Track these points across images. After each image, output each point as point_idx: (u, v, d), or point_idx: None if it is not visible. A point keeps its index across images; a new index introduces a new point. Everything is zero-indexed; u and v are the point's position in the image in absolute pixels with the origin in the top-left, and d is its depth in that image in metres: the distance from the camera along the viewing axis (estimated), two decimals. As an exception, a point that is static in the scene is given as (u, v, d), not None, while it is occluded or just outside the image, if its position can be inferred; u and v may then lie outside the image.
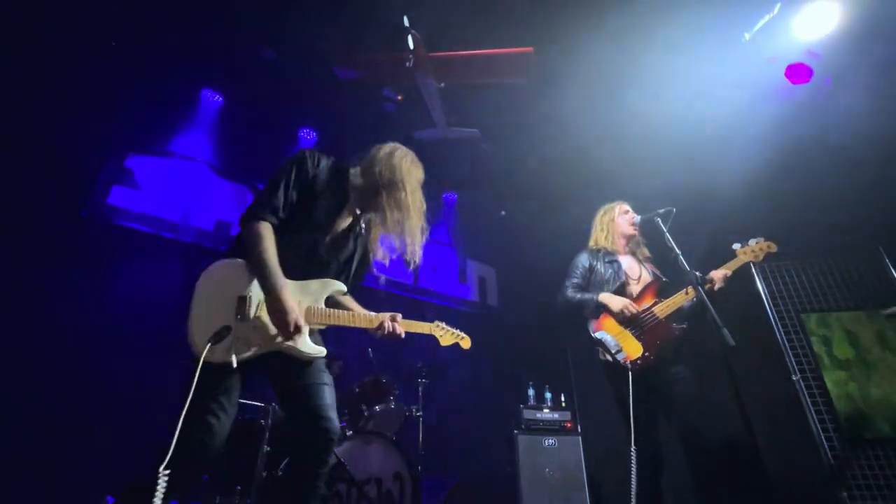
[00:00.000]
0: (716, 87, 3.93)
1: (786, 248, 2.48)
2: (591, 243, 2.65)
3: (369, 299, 5.30)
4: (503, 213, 6.39)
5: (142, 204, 4.02)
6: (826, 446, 2.91)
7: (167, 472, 1.14)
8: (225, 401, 1.32)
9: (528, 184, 5.71)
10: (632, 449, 1.93)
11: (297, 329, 1.39)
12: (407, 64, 3.82)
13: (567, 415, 4.21)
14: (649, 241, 2.63)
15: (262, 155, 4.87)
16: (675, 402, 2.12)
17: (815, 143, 3.68)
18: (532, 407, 4.22)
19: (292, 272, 1.46)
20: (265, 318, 1.39)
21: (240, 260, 1.46)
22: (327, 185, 1.62)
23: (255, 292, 1.41)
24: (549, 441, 3.97)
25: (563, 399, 4.40)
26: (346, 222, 1.66)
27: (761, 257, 2.32)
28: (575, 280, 2.49)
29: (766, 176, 3.76)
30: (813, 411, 3.01)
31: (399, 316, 1.69)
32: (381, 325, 1.63)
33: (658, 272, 2.53)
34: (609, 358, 2.18)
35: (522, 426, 4.05)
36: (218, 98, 4.78)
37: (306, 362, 1.48)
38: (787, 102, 3.76)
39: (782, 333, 3.29)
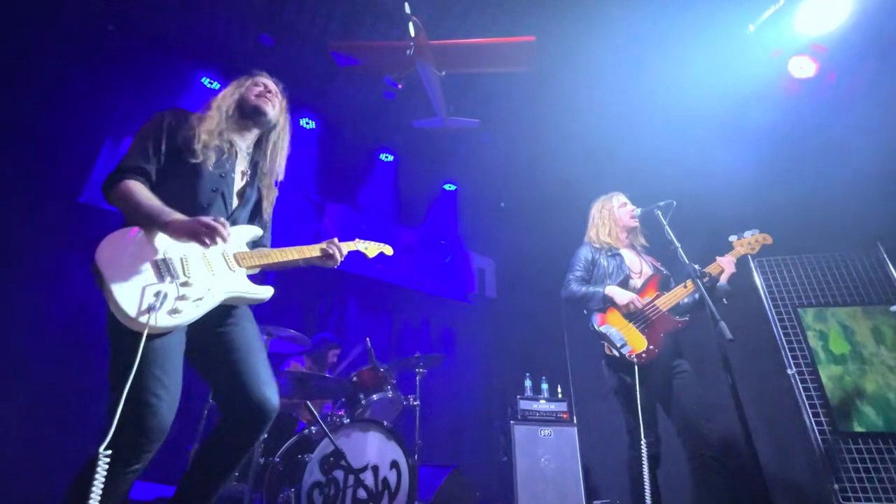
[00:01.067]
0: (719, 78, 3.90)
1: (784, 243, 2.49)
2: (592, 236, 2.63)
3: (368, 289, 5.31)
4: (502, 204, 6.37)
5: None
6: (819, 439, 2.94)
7: (107, 452, 1.05)
8: (163, 375, 1.18)
9: (527, 175, 5.69)
10: (642, 441, 1.95)
11: (219, 228, 1.29)
12: (407, 52, 3.76)
13: (563, 406, 4.24)
14: (647, 234, 2.63)
15: (261, 143, 4.84)
16: (675, 395, 2.13)
17: (816, 137, 3.66)
18: (529, 398, 4.25)
19: None
20: (193, 271, 1.30)
21: (129, 228, 1.34)
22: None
23: (173, 250, 1.31)
24: (545, 431, 4.00)
25: (559, 390, 4.43)
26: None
27: (757, 249, 2.34)
28: (578, 273, 2.47)
29: (767, 169, 3.75)
30: (807, 405, 3.04)
31: (336, 240, 1.73)
32: (324, 252, 1.66)
33: (657, 264, 2.54)
34: (615, 352, 2.18)
35: (519, 416, 4.08)
36: (216, 84, 4.72)
37: (238, 325, 1.44)
38: (789, 96, 3.73)
39: (779, 328, 3.31)
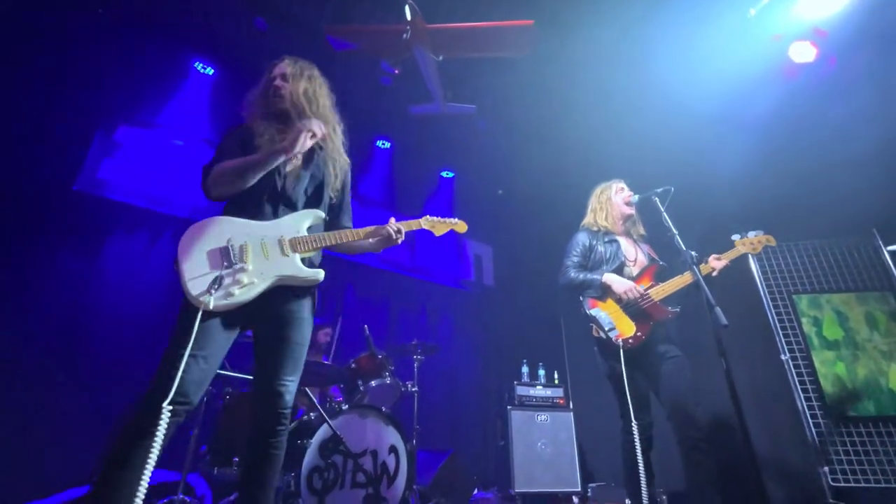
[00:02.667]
0: (719, 64, 3.86)
1: (780, 229, 2.49)
2: (589, 222, 2.63)
3: (367, 276, 5.32)
4: (500, 191, 6.35)
5: (133, 178, 3.95)
6: (811, 423, 2.99)
7: (169, 407, 1.18)
8: (199, 352, 1.30)
9: (525, 162, 5.66)
10: (633, 424, 1.97)
11: (312, 135, 1.49)
12: (404, 36, 3.71)
13: (560, 391, 4.29)
14: (645, 220, 2.63)
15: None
16: (664, 380, 2.16)
17: (814, 123, 3.65)
18: (526, 383, 4.30)
19: (262, 215, 1.54)
20: (250, 257, 1.44)
21: (215, 217, 1.51)
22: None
23: (236, 238, 1.46)
24: (542, 417, 4.06)
25: (556, 376, 4.48)
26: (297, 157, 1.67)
27: (759, 249, 2.35)
28: (576, 259, 2.47)
29: (765, 155, 3.74)
30: (800, 390, 3.08)
31: (393, 220, 1.80)
32: (383, 232, 1.75)
33: (654, 254, 2.54)
34: (602, 335, 2.21)
35: (516, 402, 4.13)
36: (210, 70, 4.65)
37: (289, 312, 1.51)
38: (789, 80, 3.71)
39: (773, 314, 3.34)
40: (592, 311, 2.27)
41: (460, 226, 2.01)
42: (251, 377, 2.78)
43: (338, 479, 2.23)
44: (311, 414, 2.48)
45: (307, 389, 2.43)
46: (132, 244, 3.80)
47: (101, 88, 3.88)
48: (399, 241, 1.77)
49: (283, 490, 2.13)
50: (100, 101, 3.87)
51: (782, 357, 3.19)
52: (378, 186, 5.53)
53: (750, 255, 3.07)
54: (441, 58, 3.99)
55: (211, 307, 1.30)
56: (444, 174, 6.13)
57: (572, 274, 2.41)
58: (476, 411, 4.73)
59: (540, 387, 4.30)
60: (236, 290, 1.37)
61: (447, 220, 1.99)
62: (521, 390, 4.23)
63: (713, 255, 2.31)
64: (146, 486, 1.13)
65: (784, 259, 3.47)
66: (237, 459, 2.45)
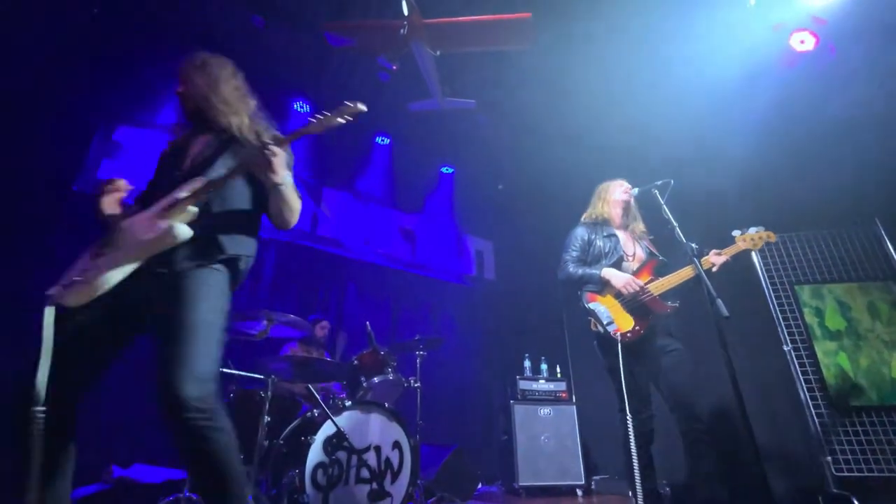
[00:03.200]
0: (720, 54, 3.84)
1: (782, 220, 2.48)
2: (588, 215, 2.63)
3: (368, 274, 5.31)
4: (500, 186, 6.34)
5: (132, 177, 3.94)
6: (814, 413, 2.99)
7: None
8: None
9: (525, 157, 5.65)
10: (628, 417, 1.97)
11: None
12: (401, 31, 3.69)
13: (562, 385, 4.31)
14: (646, 214, 2.62)
15: (255, 127, 4.78)
16: (666, 373, 2.16)
17: (815, 112, 3.62)
18: (528, 378, 4.31)
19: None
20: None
21: None
22: None
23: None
24: (545, 410, 4.07)
25: (558, 370, 4.49)
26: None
27: (759, 245, 2.32)
28: (574, 253, 2.46)
29: (766, 145, 3.72)
30: (802, 380, 3.08)
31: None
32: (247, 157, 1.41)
33: (653, 249, 2.53)
34: (600, 329, 2.21)
35: (518, 396, 4.15)
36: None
37: (169, 303, 1.27)
38: (790, 70, 3.68)
39: (776, 305, 3.33)
40: (591, 306, 2.27)
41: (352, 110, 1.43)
42: (252, 375, 2.81)
43: (342, 475, 2.24)
44: (315, 411, 2.49)
45: (310, 387, 2.44)
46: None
47: (100, 89, 3.88)
48: (272, 156, 1.36)
49: (288, 486, 2.14)
50: (98, 101, 3.87)
51: (784, 348, 3.18)
52: (378, 183, 5.53)
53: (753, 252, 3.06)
54: (439, 53, 3.97)
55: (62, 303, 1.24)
56: (444, 170, 6.12)
57: (571, 269, 2.41)
58: (479, 406, 4.75)
59: (542, 381, 4.31)
60: (88, 277, 1.29)
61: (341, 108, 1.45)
62: (523, 384, 4.24)
63: (713, 251, 2.30)
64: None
65: (786, 250, 3.46)
66: (242, 457, 2.47)
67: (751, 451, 1.65)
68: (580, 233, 2.53)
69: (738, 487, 2.16)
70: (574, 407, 4.13)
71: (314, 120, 1.45)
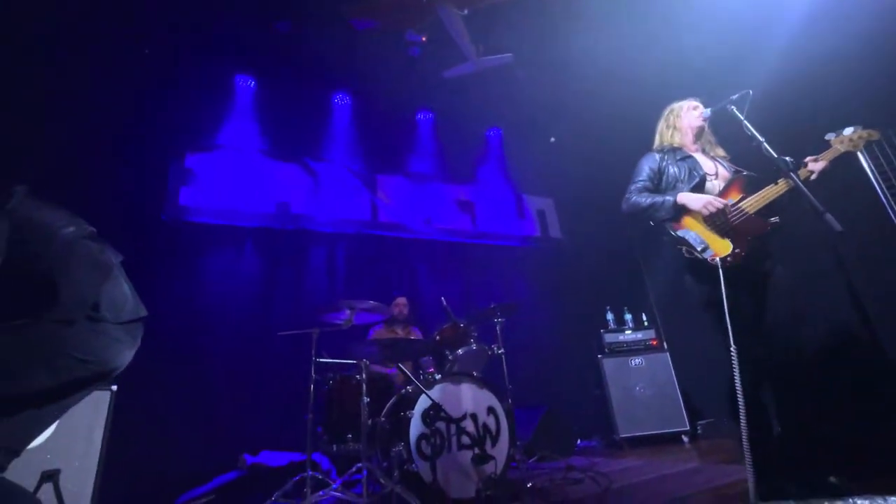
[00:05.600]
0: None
1: (888, 116, 2.11)
2: (657, 144, 2.36)
3: (434, 251, 5.35)
4: (552, 139, 6.06)
5: (208, 199, 4.28)
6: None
7: None
8: None
9: (573, 104, 5.31)
10: (732, 351, 1.74)
11: None
12: (424, -1, 3.57)
13: (651, 333, 4.14)
14: (722, 138, 2.35)
15: (303, 129, 4.95)
16: (771, 299, 1.93)
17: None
18: (613, 330, 4.19)
19: None
20: None
21: None
22: None
23: None
24: (636, 361, 3.94)
25: (644, 318, 4.31)
26: None
27: (860, 146, 1.97)
28: (642, 182, 2.22)
29: (863, 35, 3.16)
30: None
31: None
32: None
33: (738, 168, 2.22)
34: (697, 255, 1.97)
35: (605, 350, 4.05)
36: (251, 82, 4.84)
37: None
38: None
39: (894, 211, 2.89)
40: (680, 233, 2.02)
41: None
42: (346, 361, 2.99)
43: (444, 444, 2.34)
44: (408, 387, 2.61)
45: (401, 365, 2.55)
46: (219, 260, 4.16)
47: (164, 121, 4.19)
48: None
49: (397, 458, 2.28)
50: (164, 134, 4.19)
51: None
52: (427, 160, 5.52)
53: (860, 152, 2.67)
54: (466, 11, 3.80)
55: None
56: (490, 134, 5.96)
57: (636, 198, 2.17)
58: (564, 364, 4.70)
59: (629, 331, 4.17)
60: None
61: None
62: (609, 337, 4.13)
63: (809, 158, 2.01)
64: None
65: (901, 145, 2.97)
66: (350, 436, 2.67)
67: (883, 372, 1.47)
68: (647, 162, 2.27)
69: (873, 411, 1.95)
70: (667, 354, 3.96)
71: None
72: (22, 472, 1.93)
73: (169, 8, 4.02)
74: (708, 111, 2.24)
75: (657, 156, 2.28)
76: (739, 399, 1.65)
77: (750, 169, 2.21)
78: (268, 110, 4.81)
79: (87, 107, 3.79)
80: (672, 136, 2.30)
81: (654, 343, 4.08)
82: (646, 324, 4.23)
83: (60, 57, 3.57)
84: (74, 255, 1.36)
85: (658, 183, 2.22)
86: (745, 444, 1.57)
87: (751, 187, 2.05)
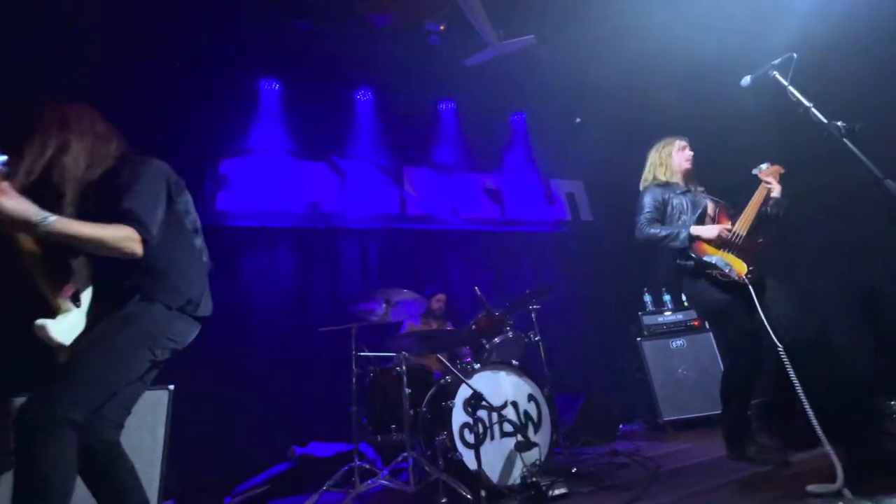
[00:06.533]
0: None
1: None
2: (650, 177, 2.65)
3: (465, 241, 5.34)
4: (578, 119, 5.90)
5: (242, 203, 4.42)
6: None
7: None
8: None
9: (597, 82, 5.15)
10: (780, 348, 1.90)
11: None
12: (440, -14, 3.52)
13: (692, 314, 4.01)
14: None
15: (328, 128, 5.01)
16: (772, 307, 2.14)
17: None
18: (651, 312, 4.09)
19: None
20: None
21: None
22: None
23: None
24: (678, 342, 3.84)
25: (684, 299, 4.17)
26: None
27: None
28: (650, 214, 2.50)
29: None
30: None
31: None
32: None
33: (715, 198, 2.53)
34: (726, 277, 2.22)
35: (645, 332, 3.97)
36: (275, 85, 4.93)
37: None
38: None
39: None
40: (709, 258, 2.28)
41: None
42: (385, 354, 3.05)
43: (487, 432, 2.35)
44: (447, 377, 2.64)
45: (439, 356, 2.57)
46: (257, 261, 4.30)
47: (196, 132, 4.33)
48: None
49: (441, 447, 2.32)
50: (199, 143, 4.34)
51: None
52: (452, 150, 5.49)
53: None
54: (484, -5, 3.74)
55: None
56: (514, 119, 5.87)
57: (651, 229, 2.44)
58: (603, 348, 4.63)
59: (668, 312, 4.06)
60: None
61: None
62: (647, 320, 4.04)
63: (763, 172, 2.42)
64: None
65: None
66: (394, 426, 2.73)
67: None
68: (652, 195, 2.54)
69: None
70: (710, 334, 3.83)
71: None
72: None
73: (193, 22, 4.13)
74: (748, 79, 2.13)
75: (658, 190, 2.56)
76: (799, 394, 1.74)
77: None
78: (293, 111, 4.89)
79: (125, 124, 3.98)
80: (664, 172, 2.61)
81: (696, 324, 3.96)
82: (686, 304, 4.11)
83: (94, 73, 3.73)
84: (194, 252, 1.59)
85: (663, 213, 2.52)
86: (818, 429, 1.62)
87: (732, 214, 2.44)
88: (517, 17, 4.38)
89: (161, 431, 2.28)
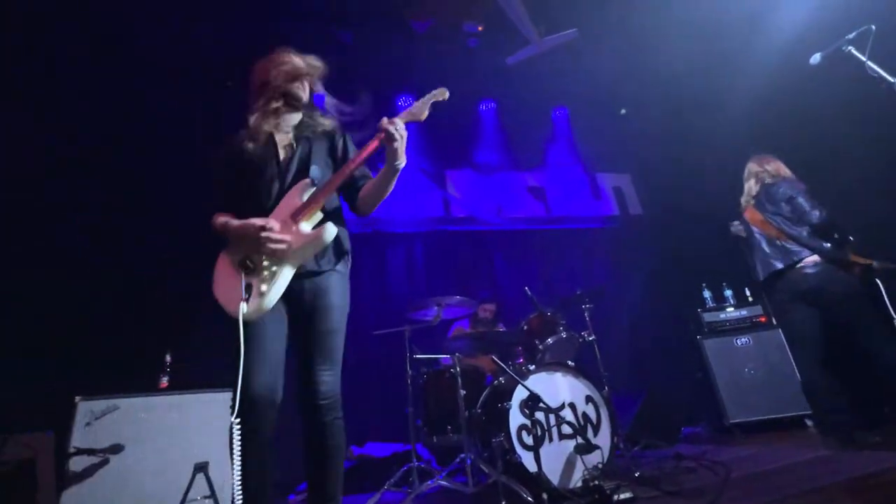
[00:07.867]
0: None
1: None
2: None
3: (511, 242, 5.29)
4: (623, 111, 5.71)
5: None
6: None
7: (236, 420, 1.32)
8: (253, 354, 1.34)
9: (641, 73, 4.96)
10: None
11: (268, 229, 1.38)
12: (479, -14, 3.52)
13: (758, 309, 3.78)
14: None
15: (372, 135, 5.12)
16: None
17: None
18: (712, 309, 3.89)
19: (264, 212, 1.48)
20: (265, 260, 1.43)
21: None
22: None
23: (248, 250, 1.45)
24: (742, 340, 3.63)
25: (748, 294, 3.94)
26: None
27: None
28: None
29: None
30: None
31: (385, 119, 1.54)
32: (376, 143, 1.56)
33: None
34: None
35: (706, 330, 3.78)
36: (322, 95, 5.10)
37: (314, 301, 1.46)
38: None
39: None
40: None
41: (441, 92, 1.68)
42: (438, 356, 3.08)
43: (545, 434, 2.32)
44: (501, 378, 2.63)
45: (494, 357, 2.57)
46: (364, 264, 4.48)
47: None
48: (398, 136, 1.51)
49: (499, 448, 2.31)
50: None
51: None
52: (494, 150, 5.47)
53: None
54: (524, -8, 3.70)
55: (245, 311, 1.33)
56: (556, 113, 5.76)
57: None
58: (661, 348, 4.45)
59: (731, 309, 3.85)
60: (264, 287, 1.38)
61: (424, 98, 1.67)
62: (708, 317, 3.84)
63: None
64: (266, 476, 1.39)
65: None
66: (449, 427, 2.74)
67: None
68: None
69: None
70: (779, 330, 3.58)
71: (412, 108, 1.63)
72: (179, 464, 2.23)
73: (244, 42, 4.35)
74: (818, 57, 1.99)
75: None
76: None
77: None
78: (337, 120, 5.03)
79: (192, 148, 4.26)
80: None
81: (763, 320, 3.72)
82: (750, 300, 3.87)
83: (162, 102, 4.02)
84: None
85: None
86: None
87: None
88: (557, 12, 4.30)
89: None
